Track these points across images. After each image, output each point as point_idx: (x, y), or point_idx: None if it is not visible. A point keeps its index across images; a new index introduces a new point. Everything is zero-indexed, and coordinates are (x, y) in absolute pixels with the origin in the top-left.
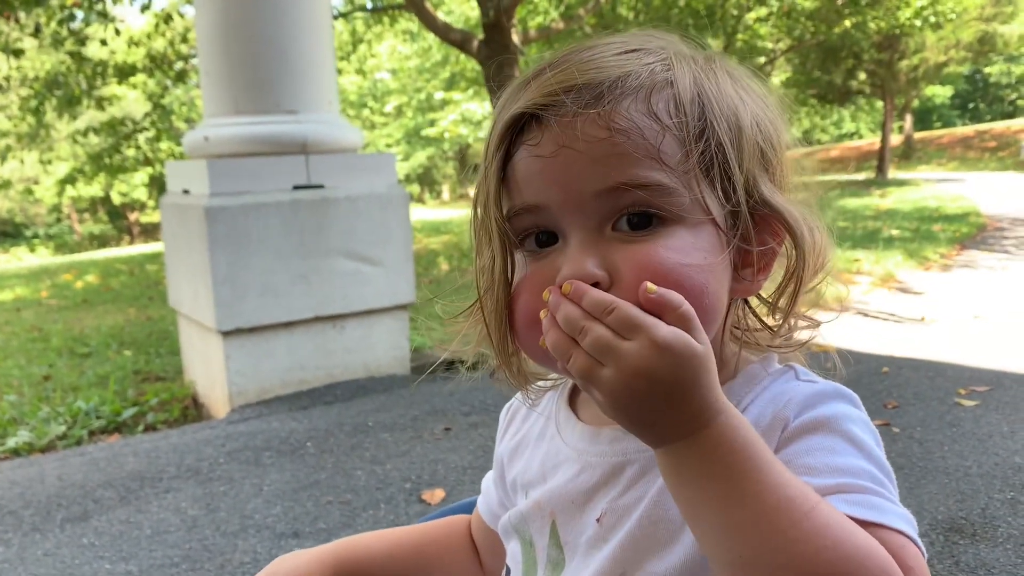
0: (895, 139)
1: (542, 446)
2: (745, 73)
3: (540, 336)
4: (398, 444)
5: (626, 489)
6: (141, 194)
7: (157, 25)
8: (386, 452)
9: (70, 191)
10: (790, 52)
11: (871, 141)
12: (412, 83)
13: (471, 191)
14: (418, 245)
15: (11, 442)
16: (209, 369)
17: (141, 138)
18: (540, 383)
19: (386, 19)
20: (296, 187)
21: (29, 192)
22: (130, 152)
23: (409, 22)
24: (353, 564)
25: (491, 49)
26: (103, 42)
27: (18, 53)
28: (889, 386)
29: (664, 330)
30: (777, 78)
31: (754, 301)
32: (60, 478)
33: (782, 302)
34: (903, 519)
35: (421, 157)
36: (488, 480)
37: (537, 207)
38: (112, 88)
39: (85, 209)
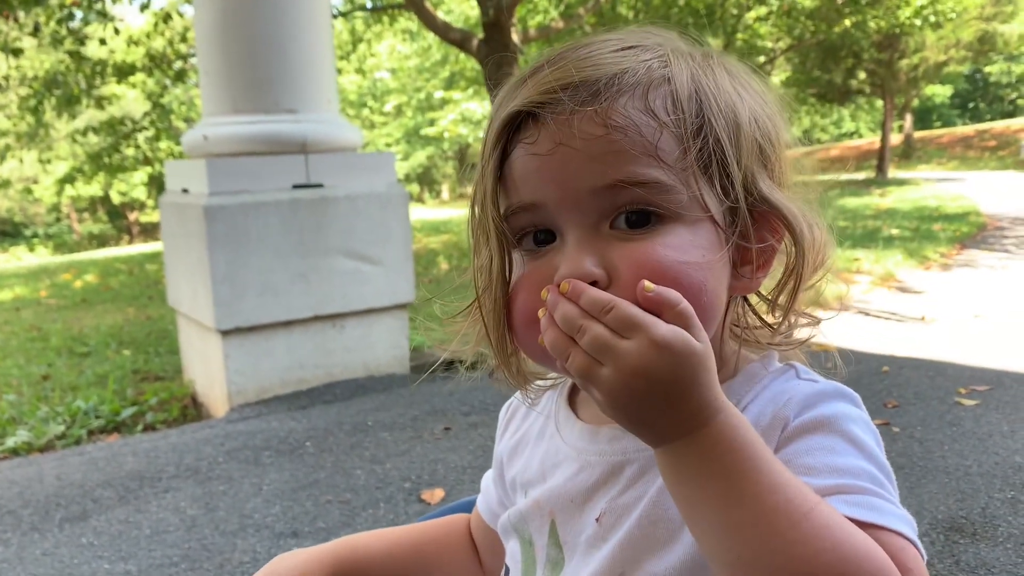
0: (895, 138)
1: (541, 445)
2: (743, 69)
3: (539, 335)
4: (398, 444)
5: (625, 488)
6: (140, 193)
7: (156, 24)
8: (386, 452)
9: (69, 190)
10: (790, 51)
11: (871, 140)
12: (412, 82)
13: (470, 190)
14: (418, 245)
15: (10, 442)
16: (208, 368)
17: (140, 137)
18: (539, 382)
19: (386, 18)
20: (295, 186)
21: (28, 191)
22: (129, 151)
23: (409, 21)
24: (352, 563)
25: (491, 48)
26: (102, 41)
27: (17, 52)
28: (889, 385)
29: (663, 328)
30: (777, 77)
31: (754, 298)
32: (59, 478)
33: (782, 299)
34: (903, 520)
35: (421, 156)
36: (488, 479)
37: (534, 205)
38: (111, 87)
39: (84, 208)
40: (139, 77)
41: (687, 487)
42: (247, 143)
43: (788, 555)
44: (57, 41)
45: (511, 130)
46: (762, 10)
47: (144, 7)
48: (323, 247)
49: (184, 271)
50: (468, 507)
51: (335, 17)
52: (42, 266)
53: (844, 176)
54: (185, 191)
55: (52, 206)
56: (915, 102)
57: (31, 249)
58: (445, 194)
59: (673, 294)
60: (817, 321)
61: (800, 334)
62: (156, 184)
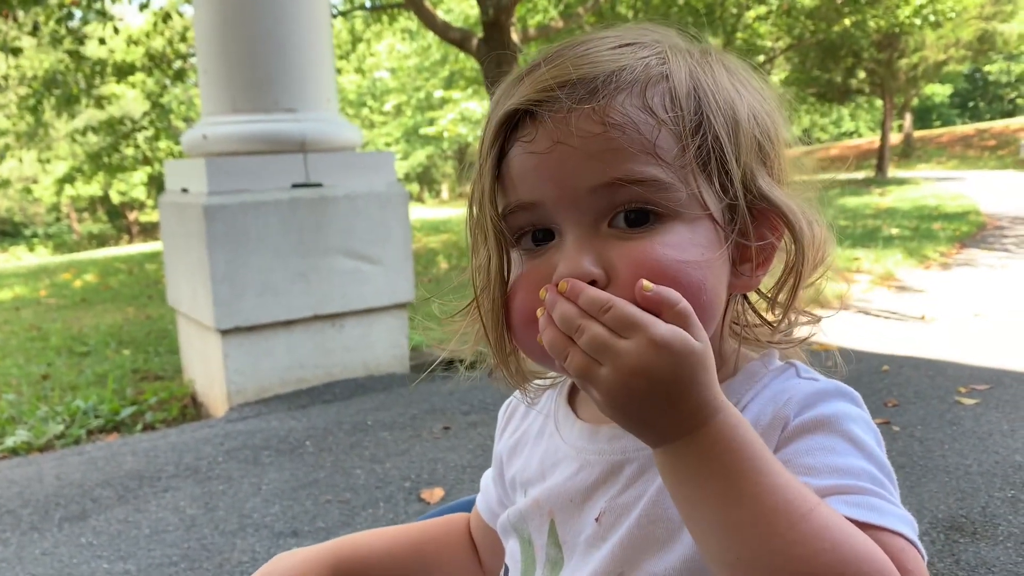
0: (895, 138)
1: (541, 444)
2: (741, 66)
3: (537, 335)
4: (397, 443)
5: (625, 488)
6: (140, 193)
7: (156, 24)
8: (385, 451)
9: (69, 190)
10: (789, 51)
11: (871, 140)
12: (411, 82)
13: (468, 189)
14: (417, 244)
15: (9, 441)
16: (208, 368)
17: (140, 137)
18: (539, 381)
19: (385, 17)
20: (295, 185)
21: (28, 191)
22: (129, 151)
23: (408, 21)
24: (351, 562)
25: (490, 48)
26: (102, 41)
27: (16, 52)
28: (889, 384)
29: (662, 328)
30: (776, 76)
31: (753, 296)
32: (58, 477)
33: (781, 297)
34: (903, 521)
35: (420, 156)
36: (487, 478)
37: (532, 204)
38: (111, 87)
39: (84, 208)
40: (138, 77)
41: (686, 487)
42: (246, 142)
43: (787, 556)
44: (56, 40)
45: (508, 128)
46: (762, 9)
47: (143, 7)
48: (323, 246)
49: (184, 271)
50: (468, 506)
51: (334, 16)
52: (42, 266)
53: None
54: (184, 191)
55: (52, 206)
56: (915, 101)
57: (31, 249)
58: (445, 193)
59: (672, 293)
60: (817, 319)
61: (800, 332)
62: (156, 184)
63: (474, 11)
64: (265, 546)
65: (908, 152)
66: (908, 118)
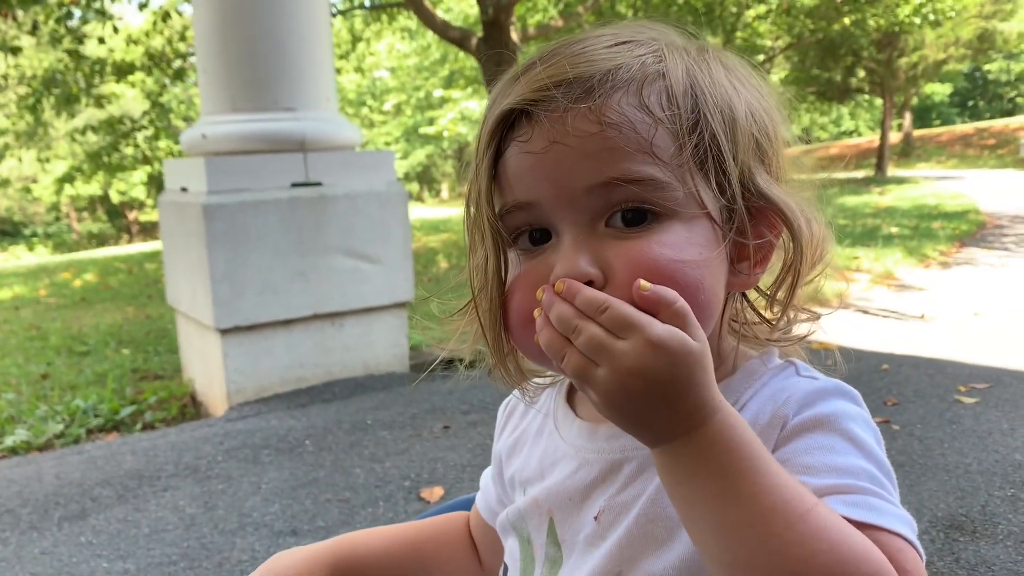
0: (894, 137)
1: (540, 443)
2: (739, 63)
3: (535, 335)
4: (397, 442)
5: (624, 486)
6: (140, 193)
7: (155, 23)
8: (385, 450)
9: (68, 190)
10: (789, 50)
11: (870, 139)
12: (411, 81)
13: (466, 188)
14: (417, 243)
15: (9, 440)
16: (207, 367)
17: (139, 136)
18: (537, 380)
19: (385, 17)
20: (294, 184)
21: (27, 191)
22: (128, 151)
23: (408, 20)
24: (350, 561)
25: (490, 47)
26: (101, 40)
27: (16, 51)
28: (889, 383)
29: (658, 328)
30: (776, 75)
31: (752, 294)
32: (58, 476)
33: (780, 295)
34: (902, 521)
35: (420, 155)
36: (487, 476)
37: (529, 204)
38: (110, 86)
39: (84, 208)
40: (138, 76)
41: (684, 487)
42: (246, 141)
43: (785, 556)
44: (56, 40)
45: (505, 128)
46: (761, 8)
47: (143, 6)
48: (322, 246)
49: (183, 270)
50: (467, 505)
51: (334, 16)
52: (41, 265)
53: (843, 174)
54: (184, 190)
55: (51, 205)
56: (914, 100)
57: (30, 248)
58: (444, 193)
59: (670, 292)
60: (816, 317)
61: (799, 330)
62: (155, 183)
63: (473, 10)
64: (265, 545)
65: (908, 151)
66: (908, 117)
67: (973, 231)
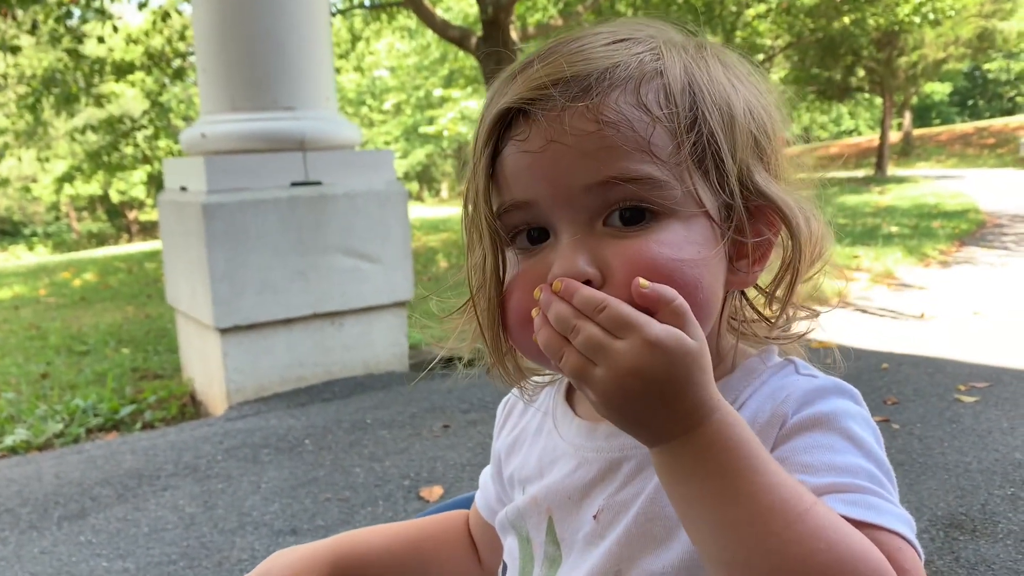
0: (894, 136)
1: (539, 441)
2: (737, 61)
3: (533, 334)
4: (396, 441)
5: (623, 485)
6: (139, 192)
7: (155, 22)
8: (384, 449)
9: (68, 189)
10: (789, 49)
11: (870, 138)
12: (411, 80)
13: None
14: (417, 243)
15: (8, 440)
16: (207, 366)
17: (139, 136)
18: (536, 378)
19: (384, 16)
20: (294, 184)
21: (27, 190)
22: (128, 150)
23: (408, 19)
24: (350, 559)
25: (490, 46)
26: (101, 39)
27: (15, 50)
28: (889, 382)
29: (656, 328)
30: (776, 74)
31: (751, 292)
32: (57, 476)
33: (779, 292)
34: (901, 520)
35: (420, 155)
36: (486, 475)
37: (527, 203)
38: (110, 86)
39: (83, 207)
40: (138, 75)
41: (682, 486)
42: (245, 141)
43: (783, 555)
44: (55, 39)
45: (502, 127)
46: (761, 7)
47: (142, 5)
48: (322, 245)
49: (183, 269)
50: (466, 503)
51: (334, 15)
52: (41, 265)
53: (843, 173)
54: (184, 189)
55: (51, 205)
56: (914, 99)
57: (30, 248)
58: (444, 192)
59: (669, 291)
60: (815, 314)
61: (798, 328)
62: (155, 183)
63: (473, 9)
64: (264, 544)
65: (907, 150)
66: (907, 116)
67: (973, 230)
